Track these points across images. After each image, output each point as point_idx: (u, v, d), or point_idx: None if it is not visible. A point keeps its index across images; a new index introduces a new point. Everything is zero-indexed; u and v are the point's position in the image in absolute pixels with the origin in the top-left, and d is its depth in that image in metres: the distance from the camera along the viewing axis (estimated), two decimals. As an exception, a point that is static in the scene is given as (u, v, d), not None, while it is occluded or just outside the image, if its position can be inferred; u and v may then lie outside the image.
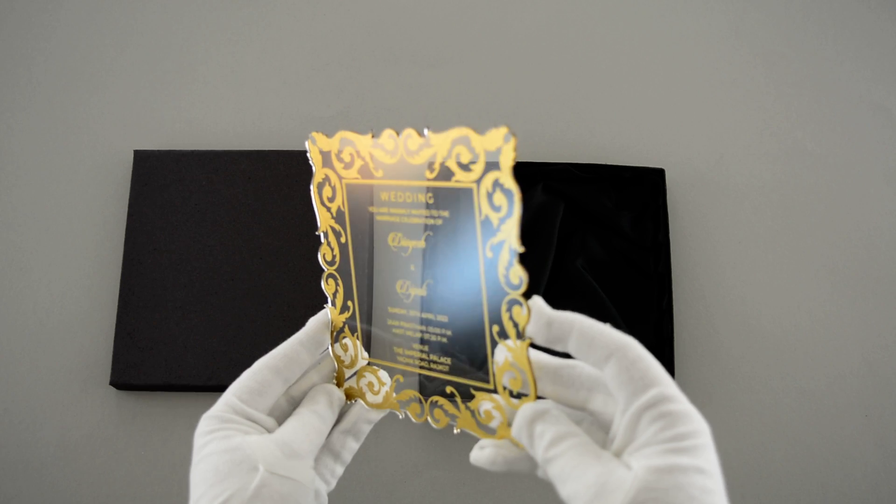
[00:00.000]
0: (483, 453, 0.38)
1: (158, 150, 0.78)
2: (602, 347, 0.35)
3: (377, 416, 0.46)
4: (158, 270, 0.75)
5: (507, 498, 0.71)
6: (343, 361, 0.46)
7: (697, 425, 0.33)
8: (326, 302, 0.46)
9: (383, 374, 0.45)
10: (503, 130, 0.35)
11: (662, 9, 0.88)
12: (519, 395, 0.38)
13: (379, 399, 0.45)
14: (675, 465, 0.31)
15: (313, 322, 0.46)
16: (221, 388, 0.72)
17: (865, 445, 0.74)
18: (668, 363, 0.73)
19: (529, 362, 0.37)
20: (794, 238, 0.80)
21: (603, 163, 0.79)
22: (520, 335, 0.37)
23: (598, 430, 0.37)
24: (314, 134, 0.43)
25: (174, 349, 0.73)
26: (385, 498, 0.71)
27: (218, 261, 0.75)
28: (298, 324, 0.72)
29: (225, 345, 0.73)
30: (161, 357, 0.72)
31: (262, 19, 0.86)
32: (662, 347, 0.73)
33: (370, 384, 0.45)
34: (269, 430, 0.43)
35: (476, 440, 0.40)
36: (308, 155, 0.44)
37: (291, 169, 0.77)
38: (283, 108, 0.83)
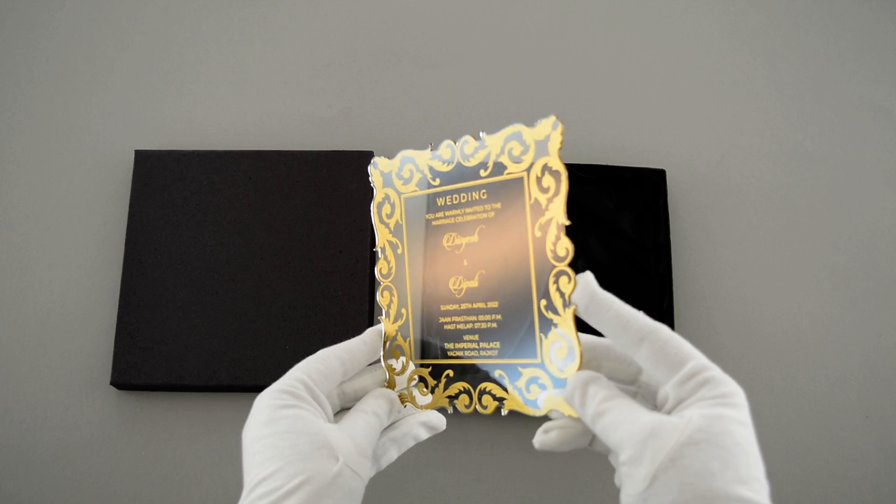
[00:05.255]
0: (550, 436, 0.40)
1: (159, 150, 0.78)
2: (635, 331, 0.38)
3: (425, 434, 0.47)
4: (159, 270, 0.75)
5: (506, 499, 0.71)
6: (394, 370, 0.48)
7: (735, 387, 0.37)
8: (381, 314, 0.49)
9: (433, 374, 0.47)
10: (552, 119, 0.40)
11: (663, 9, 0.88)
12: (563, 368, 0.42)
13: (429, 399, 0.47)
14: (724, 414, 0.35)
15: (371, 331, 0.48)
16: (222, 389, 0.72)
17: (865, 446, 0.74)
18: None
19: (575, 328, 0.40)
20: (795, 239, 0.80)
21: (604, 163, 0.79)
22: (566, 304, 0.40)
23: (647, 402, 0.41)
24: (377, 159, 0.48)
25: (175, 349, 0.73)
26: (385, 498, 0.71)
27: (218, 261, 0.75)
28: (299, 324, 0.73)
29: (225, 345, 0.73)
30: (162, 357, 0.72)
31: (262, 19, 0.86)
32: (663, 348, 0.73)
33: (421, 386, 0.47)
34: (329, 419, 0.44)
35: (526, 423, 0.40)
36: (370, 179, 0.49)
37: (292, 169, 0.77)
38: (284, 108, 0.83)
